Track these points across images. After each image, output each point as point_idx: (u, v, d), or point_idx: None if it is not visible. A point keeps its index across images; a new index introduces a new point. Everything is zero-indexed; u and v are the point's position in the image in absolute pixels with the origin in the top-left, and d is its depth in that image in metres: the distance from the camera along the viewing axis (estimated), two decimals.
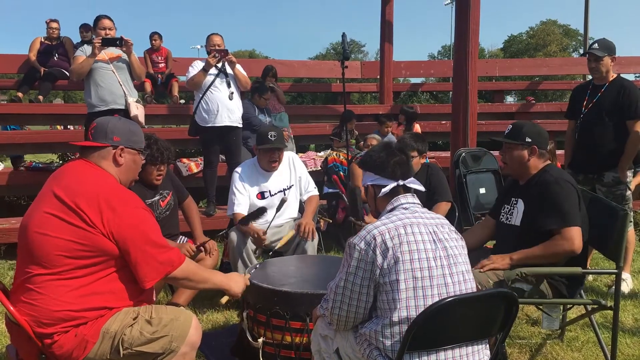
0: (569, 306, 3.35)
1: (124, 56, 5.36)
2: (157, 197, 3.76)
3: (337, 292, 2.11)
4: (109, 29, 5.28)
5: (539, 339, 3.59)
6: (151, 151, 3.51)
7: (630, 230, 4.45)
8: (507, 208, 3.12)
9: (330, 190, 5.86)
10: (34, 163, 6.72)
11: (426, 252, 2.04)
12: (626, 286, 4.47)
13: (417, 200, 2.26)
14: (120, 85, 5.30)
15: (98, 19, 5.33)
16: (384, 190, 2.24)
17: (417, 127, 7.53)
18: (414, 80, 14.89)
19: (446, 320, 1.95)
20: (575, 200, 2.85)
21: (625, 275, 4.52)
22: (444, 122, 8.40)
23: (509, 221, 3.08)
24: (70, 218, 2.18)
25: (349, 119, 6.98)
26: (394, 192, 2.25)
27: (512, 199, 3.09)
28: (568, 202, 2.82)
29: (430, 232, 2.10)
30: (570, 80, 12.80)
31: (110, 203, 2.22)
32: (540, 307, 3.07)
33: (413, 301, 1.98)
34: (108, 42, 5.18)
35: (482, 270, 2.81)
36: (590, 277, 4.72)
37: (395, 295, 1.98)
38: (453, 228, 2.22)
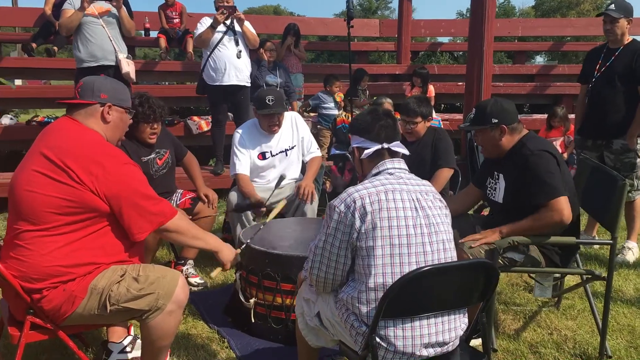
0: (565, 275, 3.33)
1: (114, 11, 5.27)
2: (153, 155, 3.76)
3: (316, 252, 2.13)
4: None
5: (535, 306, 3.58)
6: (143, 109, 3.51)
7: (639, 198, 4.35)
8: (491, 183, 3.10)
9: (338, 151, 5.84)
10: (46, 118, 6.76)
11: (406, 219, 2.03)
12: (632, 255, 4.41)
13: (403, 166, 2.23)
14: (110, 40, 5.23)
15: None
16: (366, 151, 2.22)
17: (432, 89, 7.39)
18: (439, 39, 14.60)
19: (423, 289, 1.94)
20: (555, 168, 2.80)
21: (632, 244, 4.45)
22: (460, 83, 8.23)
23: (493, 197, 3.07)
24: (58, 176, 2.20)
25: (361, 77, 6.92)
26: (379, 156, 2.23)
27: (495, 172, 3.06)
28: (549, 173, 2.77)
29: (412, 200, 2.08)
30: (597, 42, 12.36)
31: (97, 160, 2.23)
32: (533, 275, 3.06)
33: (390, 268, 1.98)
34: None
35: (473, 245, 2.79)
36: (596, 246, 4.66)
37: (371, 261, 1.98)
38: (438, 196, 2.19)
